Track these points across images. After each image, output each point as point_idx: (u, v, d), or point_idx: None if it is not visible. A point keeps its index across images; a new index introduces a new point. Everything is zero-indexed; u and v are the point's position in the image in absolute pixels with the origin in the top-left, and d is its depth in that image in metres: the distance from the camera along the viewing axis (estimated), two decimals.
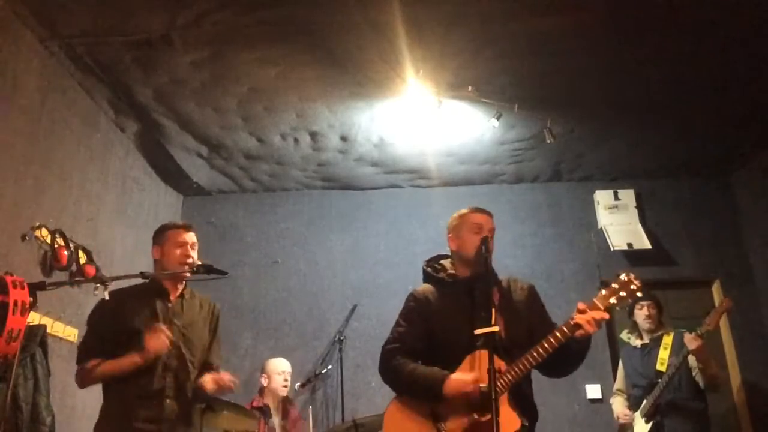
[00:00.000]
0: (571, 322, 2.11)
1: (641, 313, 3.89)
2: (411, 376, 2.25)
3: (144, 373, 2.38)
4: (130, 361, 2.35)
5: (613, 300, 2.13)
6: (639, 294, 2.14)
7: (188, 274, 2.57)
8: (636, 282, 2.13)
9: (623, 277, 2.16)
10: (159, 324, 2.40)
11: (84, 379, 2.45)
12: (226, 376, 2.52)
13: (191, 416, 2.52)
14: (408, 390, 2.28)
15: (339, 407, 4.57)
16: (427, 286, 2.45)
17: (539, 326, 2.29)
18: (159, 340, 2.34)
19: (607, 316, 2.11)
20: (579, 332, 2.09)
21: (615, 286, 2.16)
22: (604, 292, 2.16)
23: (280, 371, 4.20)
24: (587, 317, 2.09)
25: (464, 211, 2.45)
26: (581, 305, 2.13)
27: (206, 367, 2.60)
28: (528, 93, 4.04)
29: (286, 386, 4.19)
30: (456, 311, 2.30)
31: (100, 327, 2.48)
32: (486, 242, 2.28)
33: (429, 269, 2.49)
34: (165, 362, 2.43)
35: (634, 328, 4.00)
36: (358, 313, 5.02)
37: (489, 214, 2.44)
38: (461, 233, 2.40)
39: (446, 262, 2.50)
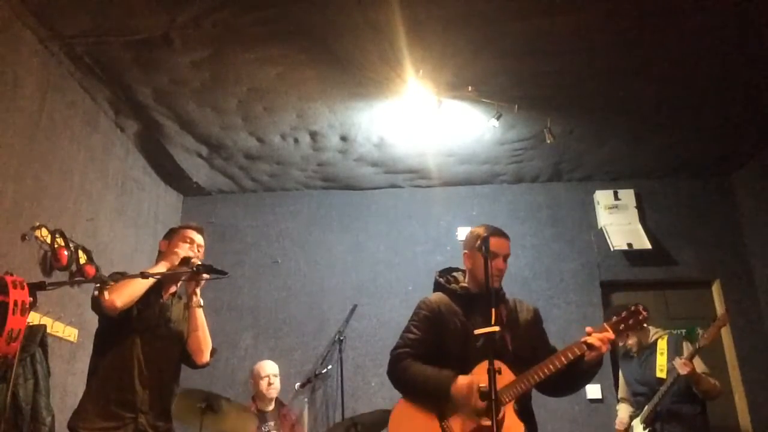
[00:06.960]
0: (583, 341, 2.20)
1: (628, 341, 3.89)
2: (421, 375, 2.28)
3: (119, 364, 2.50)
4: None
5: (621, 327, 2.27)
6: (645, 325, 2.31)
7: (186, 274, 2.63)
8: (644, 312, 2.28)
9: (632, 307, 2.30)
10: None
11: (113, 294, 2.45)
12: None
13: (167, 407, 2.60)
14: (415, 388, 2.31)
15: (339, 407, 4.56)
16: (439, 296, 2.49)
17: (542, 346, 2.40)
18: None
19: (612, 336, 2.22)
20: (591, 354, 2.19)
21: (624, 314, 2.29)
22: (614, 318, 2.29)
23: (263, 375, 4.13)
24: (600, 336, 2.19)
25: (483, 233, 2.39)
26: (589, 329, 2.24)
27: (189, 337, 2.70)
28: (528, 93, 4.04)
29: (272, 388, 4.11)
30: (464, 321, 2.36)
31: None
32: (486, 242, 2.29)
33: (441, 279, 2.54)
34: (139, 352, 2.53)
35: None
36: (358, 313, 5.01)
37: (507, 237, 2.45)
38: (476, 254, 2.38)
39: (459, 275, 2.56)
